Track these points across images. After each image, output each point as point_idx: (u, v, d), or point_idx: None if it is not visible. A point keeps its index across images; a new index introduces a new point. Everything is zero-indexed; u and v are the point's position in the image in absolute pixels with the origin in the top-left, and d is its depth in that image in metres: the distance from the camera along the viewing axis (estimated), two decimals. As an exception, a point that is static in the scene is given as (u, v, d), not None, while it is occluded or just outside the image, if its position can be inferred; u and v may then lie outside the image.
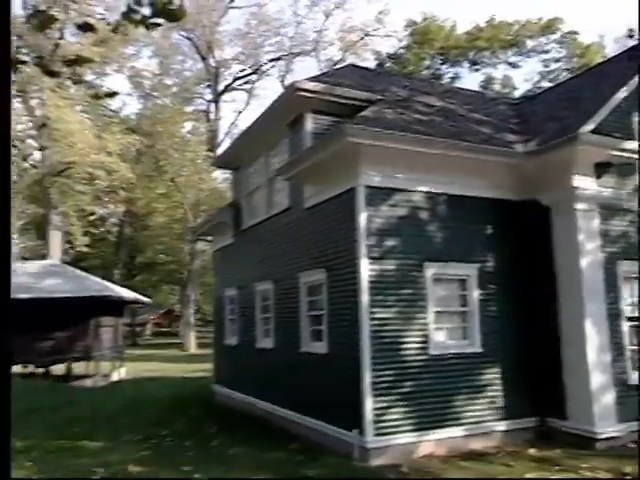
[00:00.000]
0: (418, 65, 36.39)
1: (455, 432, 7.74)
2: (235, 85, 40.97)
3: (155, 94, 36.01)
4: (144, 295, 27.61)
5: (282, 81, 40.01)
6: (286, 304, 9.89)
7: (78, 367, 21.49)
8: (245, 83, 41.47)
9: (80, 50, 19.73)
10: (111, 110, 34.24)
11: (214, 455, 7.80)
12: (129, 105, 72.50)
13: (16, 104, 28.40)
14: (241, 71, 40.39)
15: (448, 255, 8.17)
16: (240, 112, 41.08)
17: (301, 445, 8.13)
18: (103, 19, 21.97)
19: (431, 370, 7.80)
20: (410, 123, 8.48)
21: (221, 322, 13.62)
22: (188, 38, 37.30)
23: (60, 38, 24.27)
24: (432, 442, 7.56)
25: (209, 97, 39.68)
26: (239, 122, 75.85)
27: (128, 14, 5.56)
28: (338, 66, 26.61)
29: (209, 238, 16.21)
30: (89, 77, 28.85)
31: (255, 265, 11.41)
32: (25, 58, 5.97)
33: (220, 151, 33.77)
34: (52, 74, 6.30)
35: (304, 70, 60.45)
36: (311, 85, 8.92)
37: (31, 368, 20.92)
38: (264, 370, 10.78)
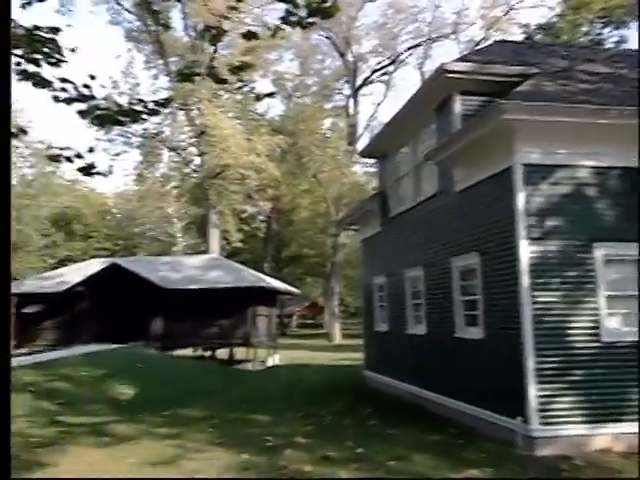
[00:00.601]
0: (574, 33, 33.20)
1: (635, 428, 7.05)
2: (373, 78, 41.47)
3: (297, 94, 37.92)
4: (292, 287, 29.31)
5: (420, 68, 39.51)
6: (437, 290, 9.83)
7: (238, 352, 23.54)
8: (383, 75, 41.78)
9: (233, 60, 21.47)
10: (258, 114, 36.69)
11: (373, 433, 8.07)
12: (273, 108, 77.28)
13: (180, 116, 31.92)
14: (378, 63, 40.76)
15: (621, 234, 7.45)
16: (378, 104, 41.64)
17: (457, 430, 8.05)
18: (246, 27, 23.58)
19: (604, 359, 7.19)
20: (574, 94, 7.88)
21: (370, 309, 13.94)
22: (327, 37, 38.57)
23: (215, 51, 26.61)
24: (608, 436, 6.98)
25: (348, 92, 40.70)
26: (378, 114, 76.33)
27: (287, 17, 6.00)
28: (481, 46, 25.48)
29: (354, 228, 16.65)
30: (239, 84, 31.21)
31: (404, 252, 11.48)
32: (198, 70, 6.77)
33: (360, 145, 34.47)
34: (221, 81, 7.06)
35: (442, 55, 58.83)
36: (459, 66, 8.73)
37: (199, 351, 23.41)
38: (415, 356, 10.83)
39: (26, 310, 23.75)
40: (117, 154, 31.74)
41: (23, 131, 6.79)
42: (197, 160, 34.33)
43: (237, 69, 6.21)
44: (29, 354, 18.57)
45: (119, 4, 32.05)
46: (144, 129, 30.60)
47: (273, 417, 9.55)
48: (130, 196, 51.65)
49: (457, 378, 8.97)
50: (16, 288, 25.42)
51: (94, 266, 23.99)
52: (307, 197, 38.93)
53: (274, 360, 23.97)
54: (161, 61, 31.96)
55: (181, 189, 38.39)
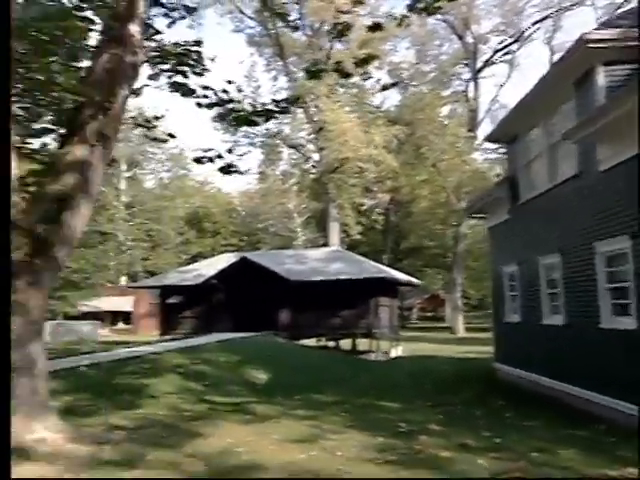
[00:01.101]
0: None
1: None
2: (494, 59, 39.43)
3: (413, 83, 37.29)
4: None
5: (549, 43, 36.82)
6: (577, 277, 9.16)
7: (361, 343, 23.87)
8: (505, 54, 39.55)
9: (350, 55, 21.74)
10: (374, 106, 36.76)
11: (509, 424, 7.79)
12: (389, 99, 76.71)
13: (298, 114, 33.05)
14: (500, 42, 38.66)
15: None
16: (501, 86, 39.58)
17: (608, 426, 7.46)
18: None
19: None
20: None
21: (500, 300, 13.38)
22: (444, 21, 37.36)
23: (332, 48, 27.19)
24: None
25: (467, 76, 39.17)
26: (500, 97, 72.20)
27: (414, 5, 6.00)
28: (623, 9, 23.00)
29: (480, 216, 16.04)
30: (355, 78, 31.57)
31: (537, 238, 10.85)
32: (324, 67, 7.03)
33: (481, 130, 33.04)
34: (347, 76, 7.27)
35: (575, 25, 53.38)
36: (602, 34, 8.02)
37: (323, 342, 24.12)
38: (553, 347, 10.20)
39: (169, 301, 26.24)
40: (242, 154, 33.82)
41: (172, 135, 7.55)
42: (316, 156, 35.32)
43: (362, 62, 6.36)
44: (172, 340, 20.49)
45: (242, 12, 33.99)
46: (266, 129, 32.19)
47: (403, 404, 9.60)
48: (253, 194, 54.62)
49: (603, 371, 8.30)
50: (160, 281, 28.18)
51: (225, 260, 25.76)
52: (426, 187, 38.15)
53: (397, 351, 23.95)
54: (280, 62, 33.33)
55: (301, 185, 39.77)
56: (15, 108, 6.82)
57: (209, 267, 25.69)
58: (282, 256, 26.52)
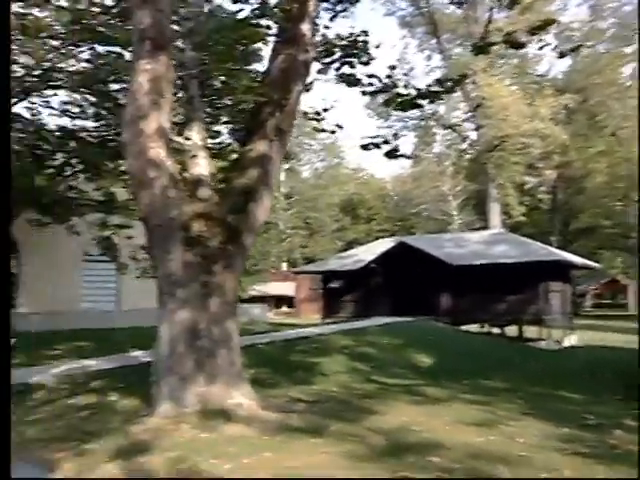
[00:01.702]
0: None
1: None
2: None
3: (587, 44, 33.42)
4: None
5: None
6: None
7: (528, 330, 22.49)
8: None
9: (511, 23, 20.32)
10: (539, 75, 33.81)
11: None
12: (555, 66, 69.52)
13: (454, 93, 31.82)
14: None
15: None
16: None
17: None
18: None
19: None
20: None
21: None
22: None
23: (489, 20, 25.64)
24: None
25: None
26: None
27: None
28: None
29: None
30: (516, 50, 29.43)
31: None
32: (495, 39, 6.71)
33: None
34: (519, 46, 6.87)
35: None
36: None
37: (487, 328, 23.22)
38: None
39: (331, 285, 27.45)
40: (396, 136, 33.54)
41: (339, 126, 7.90)
42: (473, 135, 33.79)
43: (538, 29, 5.94)
44: (335, 323, 21.45)
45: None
46: (420, 111, 31.61)
47: (587, 396, 8.90)
48: (406, 178, 54.30)
49: None
50: (322, 266, 29.59)
51: (383, 245, 26.10)
52: (603, 160, 34.03)
53: (570, 340, 22.12)
54: (434, 41, 32.39)
55: (457, 166, 38.41)
56: (200, 113, 7.69)
57: (367, 252, 26.27)
58: (440, 240, 26.04)
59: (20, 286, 18.73)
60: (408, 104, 6.84)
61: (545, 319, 20.69)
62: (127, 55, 11.76)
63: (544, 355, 16.42)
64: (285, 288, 44.94)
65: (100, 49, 12.30)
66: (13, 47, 10.77)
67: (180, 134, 6.89)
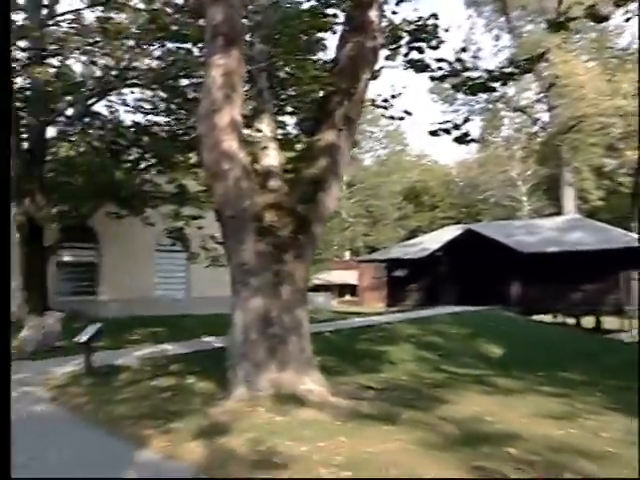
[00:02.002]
0: None
1: None
2: None
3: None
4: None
5: None
6: None
7: (607, 321, 21.35)
8: None
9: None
10: (620, 49, 31.55)
11: None
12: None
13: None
14: None
15: None
16: None
17: None
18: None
19: None
20: None
21: None
22: None
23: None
24: None
25: None
26: None
27: None
28: None
29: None
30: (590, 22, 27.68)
31: None
32: (575, 13, 6.35)
33: None
34: (601, 19, 6.47)
35: None
36: None
37: (560, 318, 22.26)
38: None
39: (395, 274, 27.27)
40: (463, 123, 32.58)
41: (408, 112, 7.80)
42: (545, 116, 32.21)
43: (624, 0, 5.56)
44: (400, 312, 21.31)
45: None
46: (488, 94, 30.44)
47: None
48: (471, 164, 52.70)
49: None
50: (386, 255, 29.42)
51: (449, 233, 25.56)
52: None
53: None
54: (502, 19, 31.03)
55: (527, 150, 36.80)
56: (269, 105, 7.83)
57: (432, 240, 25.84)
58: (510, 227, 25.16)
59: (100, 275, 19.96)
60: (479, 87, 6.63)
61: (626, 310, 19.53)
62: (196, 51, 12.16)
63: (625, 347, 15.56)
64: (348, 277, 45.09)
65: (170, 46, 12.78)
66: (93, 49, 11.43)
67: (250, 126, 7.05)
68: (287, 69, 9.36)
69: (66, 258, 18.87)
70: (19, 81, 13.79)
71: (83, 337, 8.63)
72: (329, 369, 8.81)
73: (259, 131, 6.88)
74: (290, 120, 11.63)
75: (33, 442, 5.32)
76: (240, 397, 6.48)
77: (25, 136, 13.52)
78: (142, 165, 15.49)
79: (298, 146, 9.36)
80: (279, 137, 7.60)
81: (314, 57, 9.26)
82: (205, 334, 13.85)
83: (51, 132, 14.42)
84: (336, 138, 6.54)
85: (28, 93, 13.81)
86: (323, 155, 6.56)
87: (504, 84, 6.66)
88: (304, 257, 6.77)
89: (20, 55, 13.16)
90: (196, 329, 14.93)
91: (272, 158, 6.92)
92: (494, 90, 7.01)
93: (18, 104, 13.45)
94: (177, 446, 4.96)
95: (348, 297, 46.32)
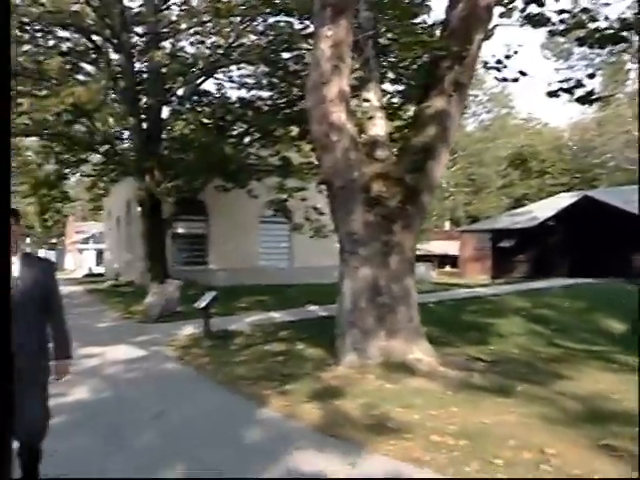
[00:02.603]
0: None
1: None
2: None
3: None
4: None
5: None
6: None
7: None
8: None
9: None
10: None
11: None
12: None
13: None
14: None
15: None
16: None
17: None
18: None
19: None
20: None
21: None
22: None
23: None
24: None
25: None
26: None
27: None
28: None
29: None
30: None
31: None
32: None
33: None
34: None
35: None
36: None
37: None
38: None
39: (501, 244, 26.13)
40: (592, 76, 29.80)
41: (523, 73, 7.31)
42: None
43: None
44: (506, 284, 20.44)
45: None
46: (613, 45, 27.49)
47: None
48: (587, 124, 48.38)
49: None
50: (491, 224, 28.25)
51: (563, 200, 23.90)
52: None
53: None
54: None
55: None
56: (376, 73, 7.70)
57: (543, 208, 24.35)
58: (632, 192, 22.92)
59: (209, 246, 21.26)
60: (609, 39, 5.99)
61: None
62: (297, 24, 12.26)
63: None
64: (448, 247, 43.92)
65: (272, 20, 12.98)
66: (203, 29, 11.93)
67: (357, 96, 7.02)
68: (390, 35, 9.14)
69: (179, 230, 20.31)
70: (137, 65, 14.82)
71: (202, 303, 9.29)
72: (435, 340, 8.73)
73: (366, 101, 6.82)
74: (392, 88, 11.39)
75: (164, 396, 5.88)
76: (350, 364, 6.67)
77: (143, 117, 14.54)
78: (247, 139, 16.07)
79: (404, 114, 9.16)
80: (385, 106, 7.48)
81: (419, 20, 8.94)
82: (309, 303, 14.31)
83: (166, 112, 15.39)
84: (446, 104, 6.32)
85: (145, 76, 14.78)
86: (432, 122, 6.38)
87: (639, 33, 5.97)
88: (412, 227, 6.71)
89: (137, 40, 14.09)
90: (300, 298, 15.46)
91: (379, 128, 6.86)
92: (626, 40, 6.32)
93: (137, 87, 14.47)
94: (294, 406, 5.24)
95: (448, 268, 45.22)
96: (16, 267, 2.86)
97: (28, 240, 43.57)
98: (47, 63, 9.78)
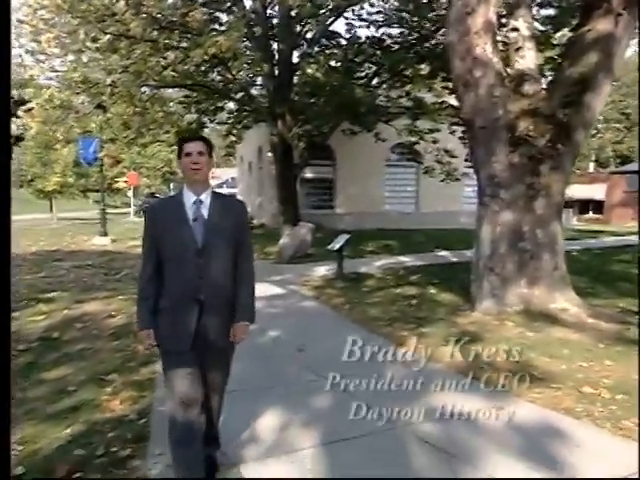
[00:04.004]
0: None
1: None
2: None
3: None
4: None
5: None
6: None
7: None
8: None
9: None
10: None
11: None
12: None
13: None
14: None
15: None
16: None
17: None
18: None
19: None
20: None
21: None
22: None
23: None
24: None
25: None
26: None
27: None
28: None
29: None
30: None
31: None
32: None
33: None
34: None
35: None
36: None
37: None
38: None
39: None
40: None
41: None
42: None
43: None
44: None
45: None
46: None
47: None
48: None
49: None
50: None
51: None
52: None
53: None
54: None
55: None
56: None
57: None
58: None
59: (336, 190, 21.59)
60: None
61: None
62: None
63: None
64: (592, 191, 40.00)
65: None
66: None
67: (502, 26, 6.45)
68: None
69: (307, 175, 20.82)
70: (269, 11, 14.98)
71: (336, 245, 9.57)
72: (581, 290, 8.18)
73: (514, 30, 6.24)
74: (542, 14, 10.24)
75: (305, 330, 6.25)
76: (486, 310, 6.51)
77: (275, 63, 14.81)
78: (376, 81, 15.71)
79: (556, 42, 8.24)
80: (535, 35, 6.80)
81: None
82: (438, 248, 14.08)
83: (296, 57, 15.49)
84: (612, 26, 5.55)
85: (276, 21, 14.92)
86: (593, 49, 5.67)
87: None
88: (562, 168, 6.18)
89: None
90: (427, 243, 15.25)
91: (528, 59, 6.27)
92: None
93: (269, 33, 14.68)
94: (432, 349, 5.28)
95: (591, 214, 41.38)
96: (205, 205, 2.56)
97: (172, 185, 47.58)
98: (191, 15, 10.26)
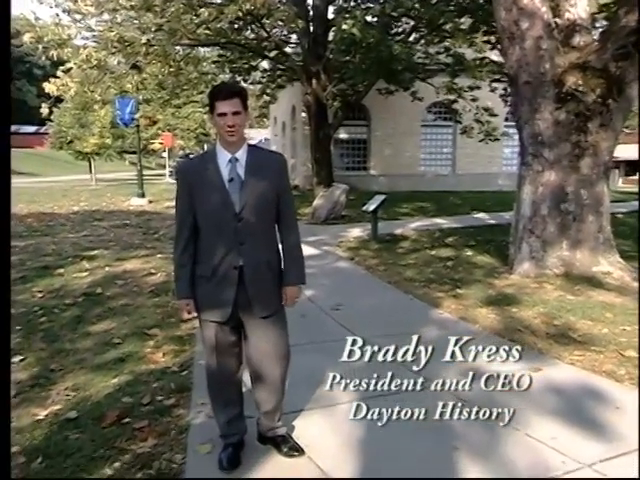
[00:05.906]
0: None
1: None
2: None
3: None
4: None
5: None
6: None
7: None
8: None
9: None
10: None
11: None
12: None
13: None
14: None
15: None
16: None
17: None
18: None
19: None
20: None
21: None
22: None
23: None
24: None
25: None
26: None
27: None
28: None
29: None
30: None
31: None
32: None
33: None
34: None
35: None
36: None
37: None
38: None
39: None
40: None
41: None
42: None
43: None
44: None
45: None
46: None
47: None
48: None
49: None
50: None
51: None
52: None
53: None
54: None
55: None
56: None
57: None
58: None
59: (370, 151, 21.26)
60: None
61: None
62: None
63: None
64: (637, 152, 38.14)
65: None
66: None
67: (552, -28, 6.04)
68: None
69: (341, 135, 20.53)
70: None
71: (371, 206, 9.48)
72: (624, 253, 7.92)
73: (567, -25, 5.85)
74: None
75: (341, 290, 6.28)
76: (525, 272, 6.39)
77: (309, 19, 14.42)
78: (414, 36, 15.15)
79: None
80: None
81: None
82: (474, 210, 13.81)
83: (332, 13, 15.04)
84: (675, -30, 5.14)
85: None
86: (653, -6, 5.28)
87: None
88: (612, 126, 5.88)
89: None
90: (463, 205, 14.97)
91: (579, 8, 5.90)
92: None
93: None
94: (469, 310, 5.25)
95: (638, 176, 39.61)
96: (241, 163, 2.38)
97: (206, 147, 47.86)
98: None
